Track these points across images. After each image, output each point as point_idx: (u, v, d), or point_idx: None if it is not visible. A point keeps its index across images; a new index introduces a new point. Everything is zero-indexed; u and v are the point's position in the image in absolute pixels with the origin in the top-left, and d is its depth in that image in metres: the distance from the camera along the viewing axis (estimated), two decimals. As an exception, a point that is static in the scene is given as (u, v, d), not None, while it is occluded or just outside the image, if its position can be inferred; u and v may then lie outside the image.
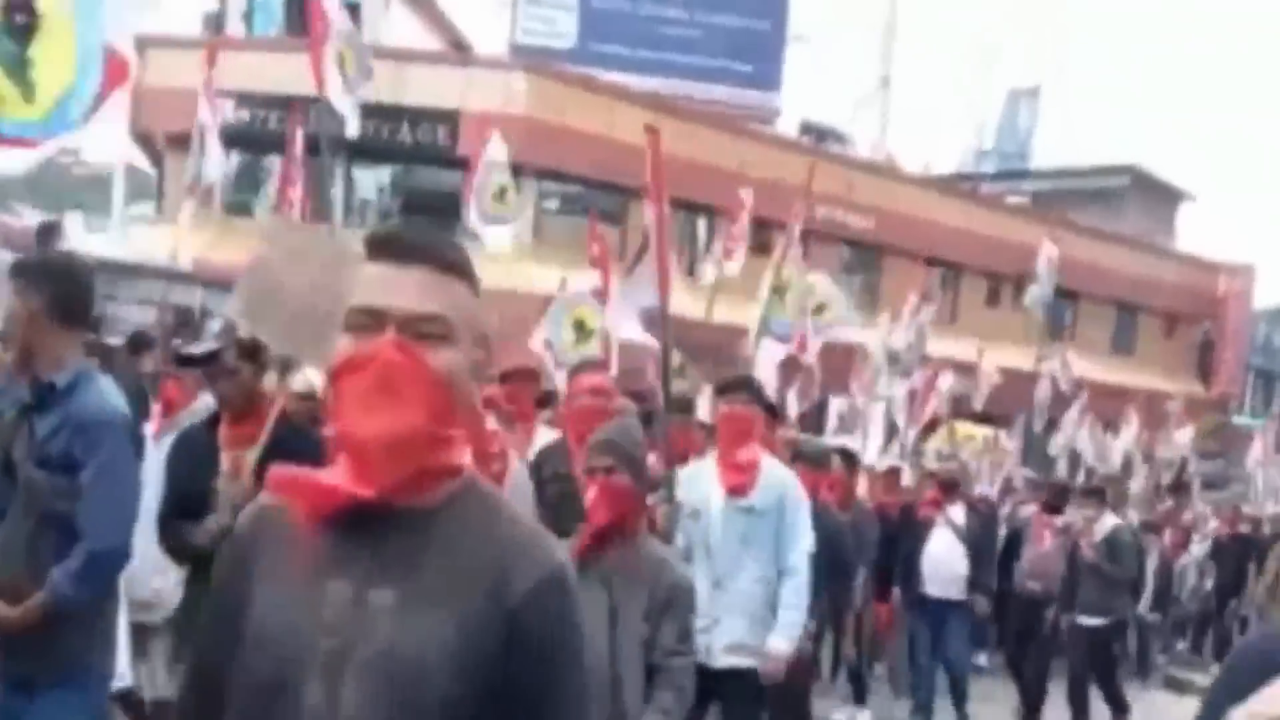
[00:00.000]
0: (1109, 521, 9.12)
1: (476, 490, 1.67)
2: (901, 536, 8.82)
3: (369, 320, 1.57)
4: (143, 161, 23.15)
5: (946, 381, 12.69)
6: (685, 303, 9.95)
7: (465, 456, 1.66)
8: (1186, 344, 33.36)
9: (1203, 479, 16.45)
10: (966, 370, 16.65)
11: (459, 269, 1.64)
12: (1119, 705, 9.22)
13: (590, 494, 3.58)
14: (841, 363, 13.05)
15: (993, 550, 9.20)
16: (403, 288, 1.58)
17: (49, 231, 9.30)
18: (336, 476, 1.58)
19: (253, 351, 4.18)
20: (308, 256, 4.26)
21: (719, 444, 5.22)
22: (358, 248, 1.73)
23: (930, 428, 13.64)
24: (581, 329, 8.92)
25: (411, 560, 1.57)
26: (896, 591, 8.91)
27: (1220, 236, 62.80)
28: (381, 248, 1.63)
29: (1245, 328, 35.10)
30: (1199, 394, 31.03)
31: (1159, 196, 35.09)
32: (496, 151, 11.73)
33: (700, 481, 5.10)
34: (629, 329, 8.05)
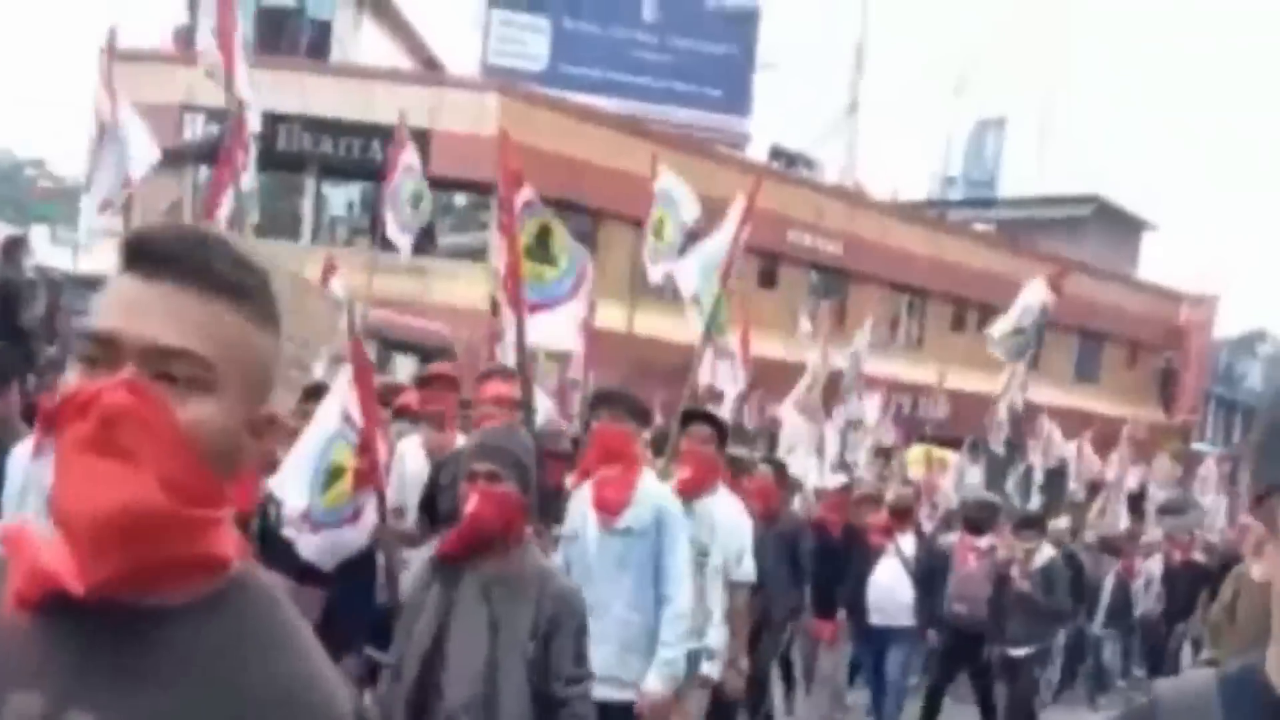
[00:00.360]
0: (1046, 552, 8.98)
1: (248, 593, 1.20)
2: (849, 559, 8.63)
3: (101, 351, 1.14)
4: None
5: (873, 406, 12.70)
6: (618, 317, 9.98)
7: (230, 545, 1.19)
8: (1149, 372, 33.76)
9: (1162, 505, 16.59)
10: (932, 395, 16.83)
11: (238, 292, 1.18)
12: None
13: (469, 501, 3.28)
14: (783, 382, 13.06)
15: (941, 581, 8.86)
16: (150, 310, 1.14)
17: (14, 245, 9.23)
18: (57, 555, 1.12)
19: None
20: None
21: (592, 461, 4.80)
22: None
23: (897, 449, 13.76)
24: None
25: (129, 678, 1.12)
26: (842, 612, 8.70)
27: (1182, 266, 63.47)
28: (134, 254, 1.17)
29: (1207, 356, 35.56)
30: (1161, 422, 31.39)
31: (1122, 226, 35.54)
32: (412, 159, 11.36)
33: (579, 501, 4.71)
34: (559, 339, 7.80)
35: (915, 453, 14.46)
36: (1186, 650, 13.68)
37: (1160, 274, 35.52)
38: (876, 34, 71.43)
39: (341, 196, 22.74)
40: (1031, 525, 9.26)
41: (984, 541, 9.27)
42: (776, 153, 29.75)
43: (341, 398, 4.80)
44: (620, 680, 4.37)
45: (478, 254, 21.41)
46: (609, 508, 4.54)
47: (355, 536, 4.90)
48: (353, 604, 4.91)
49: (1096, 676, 12.76)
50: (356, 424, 4.78)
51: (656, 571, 4.52)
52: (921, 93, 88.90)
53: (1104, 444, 17.31)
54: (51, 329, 9.21)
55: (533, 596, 3.21)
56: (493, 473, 3.24)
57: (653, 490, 4.67)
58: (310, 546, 4.71)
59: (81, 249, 20.26)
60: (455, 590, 3.25)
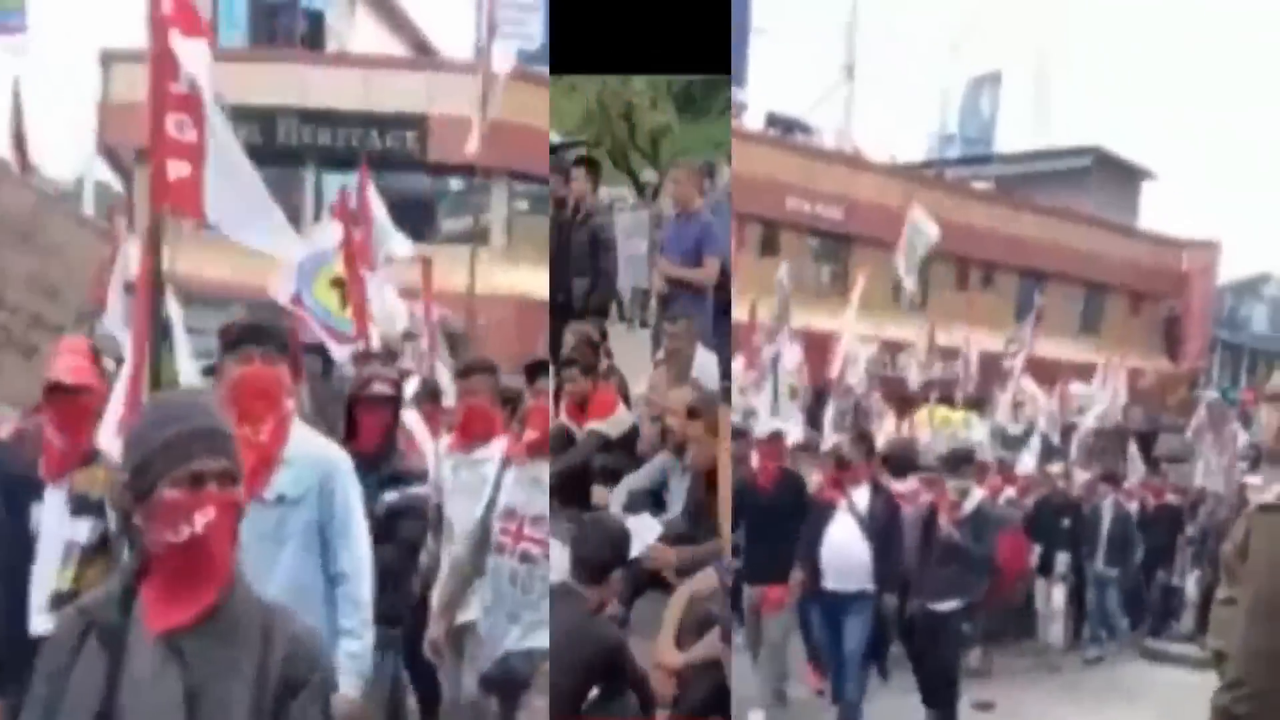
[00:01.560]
0: (975, 496, 8.05)
1: None
2: (789, 515, 7.78)
3: None
4: (110, 176, 23.17)
5: (794, 354, 12.70)
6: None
7: None
8: (1153, 321, 33.82)
9: (1166, 453, 16.68)
10: (947, 354, 16.96)
11: None
12: (947, 702, 7.88)
13: (197, 516, 2.02)
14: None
15: (899, 536, 7.68)
16: None
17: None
18: None
19: None
20: None
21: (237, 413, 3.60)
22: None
23: (908, 410, 13.91)
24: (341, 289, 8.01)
25: None
26: (795, 574, 7.74)
27: (1183, 213, 63.38)
28: None
29: (1210, 302, 35.60)
30: (1168, 370, 31.48)
31: (1121, 176, 35.50)
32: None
33: None
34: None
35: (923, 413, 14.60)
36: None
37: (1161, 223, 35.46)
38: (868, -6, 70.89)
39: (340, 186, 22.87)
40: (962, 463, 8.26)
41: (905, 486, 8.52)
42: (773, 119, 29.77)
43: None
44: None
45: (479, 237, 21.55)
46: (252, 474, 3.31)
47: None
48: None
49: (1098, 622, 12.08)
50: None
51: (322, 544, 3.66)
52: (916, 53, 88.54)
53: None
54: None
55: (253, 647, 2.06)
56: (228, 472, 2.09)
57: (309, 443, 3.75)
58: None
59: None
60: (122, 652, 2.04)
